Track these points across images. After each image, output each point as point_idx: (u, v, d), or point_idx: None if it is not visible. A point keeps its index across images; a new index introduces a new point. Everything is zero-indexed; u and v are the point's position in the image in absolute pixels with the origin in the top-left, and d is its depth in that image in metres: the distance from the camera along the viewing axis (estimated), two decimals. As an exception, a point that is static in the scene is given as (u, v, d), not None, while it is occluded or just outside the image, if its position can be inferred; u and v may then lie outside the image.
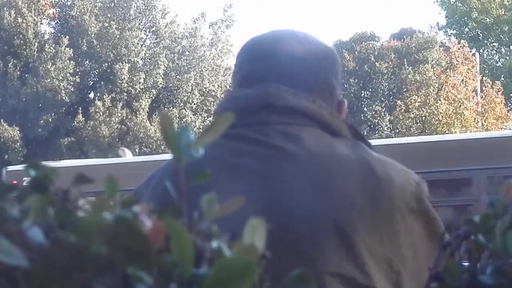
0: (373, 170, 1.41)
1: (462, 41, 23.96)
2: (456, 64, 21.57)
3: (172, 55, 28.96)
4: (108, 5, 28.67)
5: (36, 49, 27.28)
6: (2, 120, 25.94)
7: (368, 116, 30.29)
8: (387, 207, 1.39)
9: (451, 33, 34.65)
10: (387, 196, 1.40)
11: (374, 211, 1.38)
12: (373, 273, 1.35)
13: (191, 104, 28.26)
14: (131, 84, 27.37)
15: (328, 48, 1.61)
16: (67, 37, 27.25)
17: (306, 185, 1.39)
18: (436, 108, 20.66)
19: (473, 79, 21.56)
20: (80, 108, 27.01)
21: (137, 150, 26.17)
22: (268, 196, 1.38)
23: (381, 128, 31.45)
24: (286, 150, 1.43)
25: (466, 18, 33.50)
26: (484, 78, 22.59)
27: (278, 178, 1.41)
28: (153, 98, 27.95)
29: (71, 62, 26.91)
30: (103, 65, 28.17)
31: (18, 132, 25.90)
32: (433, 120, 20.49)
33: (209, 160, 1.43)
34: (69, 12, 28.92)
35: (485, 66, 31.23)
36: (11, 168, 11.86)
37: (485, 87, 21.58)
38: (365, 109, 31.10)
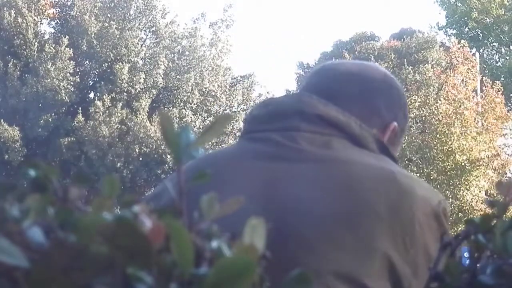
0: (397, 180, 1.43)
1: (462, 41, 23.90)
2: (456, 64, 21.52)
3: (172, 55, 28.95)
4: (108, 5, 28.66)
5: (36, 49, 27.27)
6: (2, 120, 25.93)
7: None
8: (407, 217, 1.39)
9: (451, 33, 34.63)
10: (408, 206, 1.40)
11: (394, 218, 1.38)
12: (383, 278, 1.35)
13: (191, 104, 28.25)
14: (131, 84, 27.36)
15: (386, 75, 1.68)
16: (67, 37, 27.24)
17: (329, 187, 1.40)
18: (436, 108, 20.63)
19: (473, 79, 21.52)
20: (80, 108, 27.00)
21: (137, 150, 26.17)
22: (287, 197, 1.39)
23: (381, 128, 31.36)
24: (312, 154, 1.45)
25: (466, 18, 33.47)
26: (484, 78, 22.55)
27: (300, 180, 1.41)
28: (153, 98, 27.94)
29: (71, 62, 26.90)
30: (103, 65, 28.16)
31: (18, 132, 25.89)
32: (433, 120, 20.46)
33: (228, 163, 1.45)
34: (69, 12, 28.91)
35: (485, 66, 31.20)
36: None
37: (485, 87, 21.54)
38: (365, 109, 31.13)
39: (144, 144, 26.33)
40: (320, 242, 1.35)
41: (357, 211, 1.37)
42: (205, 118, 28.12)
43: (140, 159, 26.40)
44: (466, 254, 0.83)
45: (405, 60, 31.94)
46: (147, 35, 29.71)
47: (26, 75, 26.78)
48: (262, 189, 1.39)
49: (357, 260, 1.34)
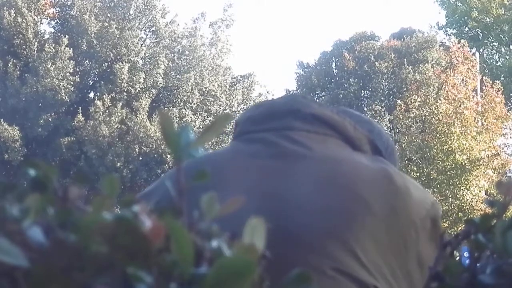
0: (392, 180, 1.42)
1: (462, 40, 23.88)
2: (456, 63, 21.51)
3: (172, 54, 28.95)
4: (108, 5, 28.66)
5: (36, 49, 27.27)
6: (2, 120, 25.93)
7: (368, 116, 30.28)
8: (402, 218, 1.38)
9: (451, 33, 34.62)
10: (404, 208, 1.39)
11: (389, 219, 1.37)
12: (376, 276, 1.34)
13: (191, 104, 28.25)
14: (131, 84, 27.35)
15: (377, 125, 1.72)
16: (67, 36, 27.24)
17: (327, 185, 1.39)
18: (436, 107, 20.63)
19: (473, 79, 21.51)
20: (80, 108, 27.01)
21: (137, 150, 26.16)
22: (283, 195, 1.38)
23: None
24: (308, 152, 1.44)
25: (466, 17, 33.46)
26: (484, 78, 22.55)
27: (298, 178, 1.40)
28: (153, 98, 27.94)
29: (71, 61, 26.90)
30: (103, 64, 28.16)
31: (18, 132, 25.89)
32: (433, 119, 20.45)
33: (226, 163, 1.44)
34: (69, 11, 28.91)
35: (485, 66, 31.18)
36: None
37: (485, 86, 21.54)
38: (365, 109, 31.12)
39: (144, 144, 26.33)
40: (320, 239, 1.34)
41: (355, 209, 1.36)
42: (205, 118, 28.12)
43: (140, 159, 26.40)
44: (466, 254, 0.83)
45: (405, 59, 31.94)
46: (147, 35, 29.71)
47: (26, 75, 26.78)
48: (261, 187, 1.38)
49: (355, 257, 1.33)
